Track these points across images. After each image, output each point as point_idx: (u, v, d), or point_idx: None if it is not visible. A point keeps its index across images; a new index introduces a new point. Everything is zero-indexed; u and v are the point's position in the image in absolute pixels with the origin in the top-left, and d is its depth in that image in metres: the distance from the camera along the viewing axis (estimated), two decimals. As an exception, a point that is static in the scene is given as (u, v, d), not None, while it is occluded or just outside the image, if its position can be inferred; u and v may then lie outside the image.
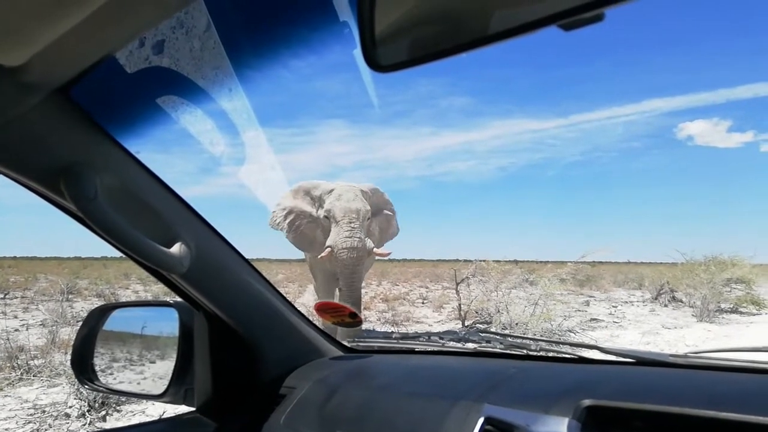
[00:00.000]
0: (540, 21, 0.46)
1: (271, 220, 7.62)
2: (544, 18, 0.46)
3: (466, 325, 10.18)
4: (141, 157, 1.08)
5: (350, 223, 7.01)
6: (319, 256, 7.09)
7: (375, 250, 7.23)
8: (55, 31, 0.66)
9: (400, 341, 1.47)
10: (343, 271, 7.04)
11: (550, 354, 1.26)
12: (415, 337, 1.48)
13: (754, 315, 12.38)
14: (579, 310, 12.46)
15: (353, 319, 1.48)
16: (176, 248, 1.06)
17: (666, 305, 13.78)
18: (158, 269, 1.07)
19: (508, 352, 1.32)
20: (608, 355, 1.18)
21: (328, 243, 7.04)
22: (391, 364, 1.34)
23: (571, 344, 1.25)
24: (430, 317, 12.34)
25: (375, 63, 0.56)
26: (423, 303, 14.78)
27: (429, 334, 1.49)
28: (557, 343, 1.27)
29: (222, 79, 1.29)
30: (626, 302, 14.87)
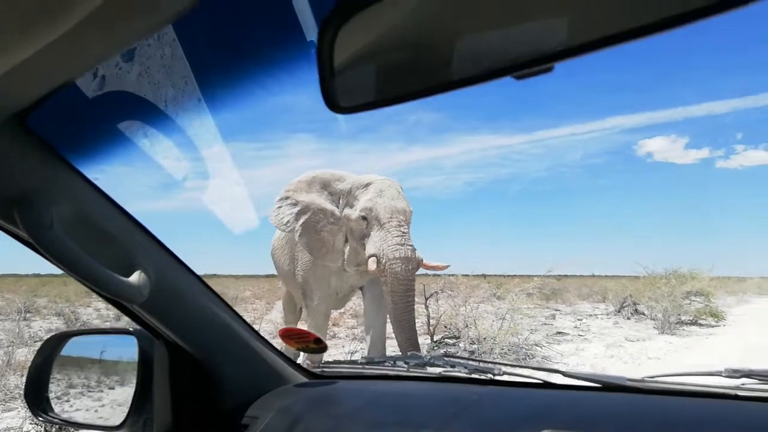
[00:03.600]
0: (495, 72, 0.48)
1: (275, 217, 5.87)
2: (499, 69, 0.48)
3: (434, 339, 10.19)
4: (100, 183, 1.06)
5: (400, 226, 5.47)
6: (367, 269, 5.46)
7: (427, 262, 5.63)
8: (14, 58, 0.65)
9: (366, 366, 1.47)
10: (395, 289, 5.37)
11: (514, 378, 1.28)
12: (381, 362, 1.47)
13: (713, 327, 12.76)
14: (545, 324, 12.63)
15: (318, 345, 1.47)
16: (135, 277, 1.04)
17: (629, 318, 14.09)
18: (116, 299, 1.05)
19: (472, 376, 1.33)
20: (570, 379, 1.20)
21: (371, 251, 5.40)
22: (355, 391, 1.34)
23: (534, 368, 1.27)
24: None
25: (334, 104, 0.57)
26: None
27: (394, 359, 1.49)
28: (521, 366, 1.29)
29: (187, 97, 1.28)
30: (591, 315, 15.15)
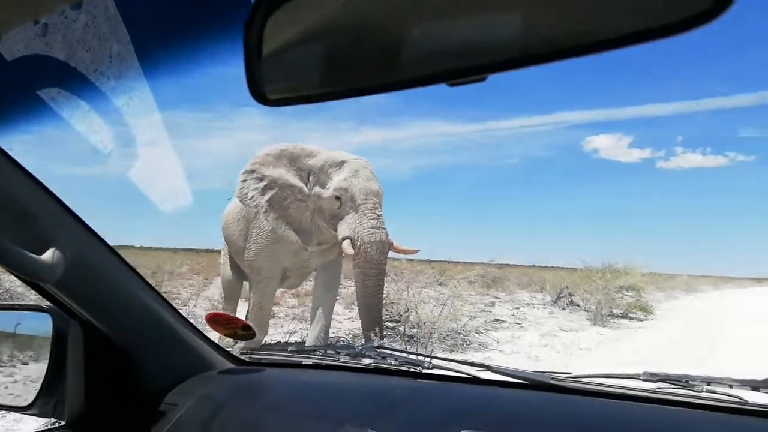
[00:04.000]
0: (429, 77, 0.47)
1: (240, 191, 5.60)
2: (432, 75, 0.46)
3: (376, 323, 10.28)
4: (14, 154, 0.99)
5: (375, 209, 5.37)
6: (342, 252, 5.32)
7: (398, 245, 5.59)
8: None
9: (295, 354, 1.44)
10: (367, 272, 5.33)
11: (443, 372, 1.28)
12: (311, 350, 1.45)
13: (642, 321, 13.45)
14: (484, 311, 12.95)
15: (246, 332, 1.43)
16: (49, 254, 0.98)
17: (564, 308, 14.64)
18: (26, 277, 0.98)
19: (402, 369, 1.33)
20: (497, 375, 1.22)
21: (345, 234, 5.30)
22: (282, 380, 1.31)
23: (464, 362, 1.28)
24: (341, 314, 12.34)
25: (260, 94, 0.54)
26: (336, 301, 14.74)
27: (325, 347, 1.47)
28: (451, 360, 1.30)
29: (123, 63, 1.20)
30: (528, 304, 15.66)
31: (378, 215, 5.40)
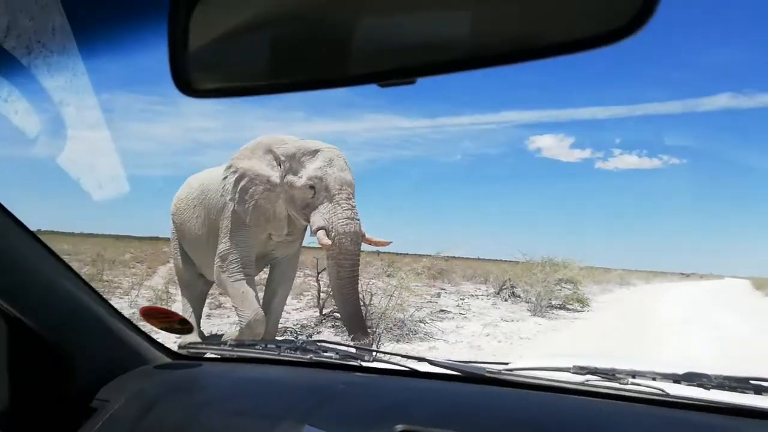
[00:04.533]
0: (359, 77, 0.46)
1: (223, 189, 5.56)
2: (363, 75, 0.46)
3: (323, 313, 10.23)
4: None
5: (349, 199, 5.25)
6: (321, 243, 5.09)
7: (370, 237, 5.45)
8: None
9: (235, 348, 1.42)
10: (342, 263, 5.20)
11: (383, 366, 1.30)
12: (251, 344, 1.43)
13: (579, 312, 14.01)
14: (430, 302, 13.14)
15: (183, 326, 1.39)
16: None
17: (506, 300, 15.06)
18: None
19: (342, 362, 1.33)
20: (435, 368, 1.24)
21: (319, 224, 5.15)
22: (219, 375, 1.29)
23: (403, 356, 1.30)
24: (289, 304, 12.21)
25: (185, 84, 0.52)
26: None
27: (265, 341, 1.46)
28: (390, 354, 1.32)
29: (64, 38, 1.14)
30: (473, 295, 16.01)
31: (352, 206, 5.29)
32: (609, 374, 1.12)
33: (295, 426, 0.93)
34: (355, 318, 5.48)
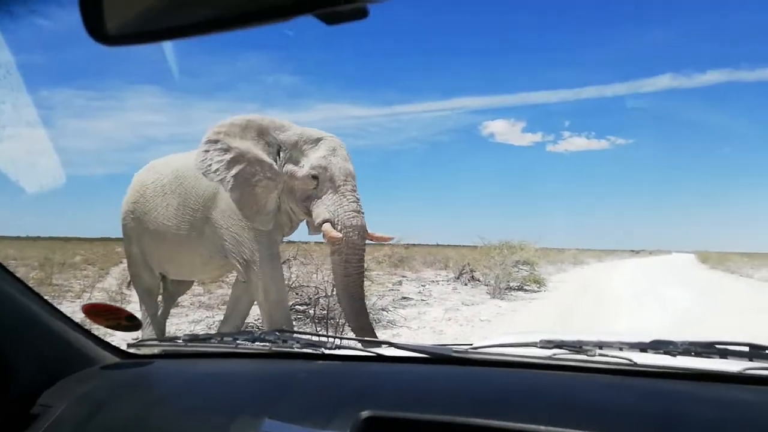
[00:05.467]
0: (294, 6, 0.40)
1: (201, 162, 4.79)
2: (298, 3, 0.40)
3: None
4: None
5: (354, 191, 4.83)
6: (329, 236, 4.63)
7: (372, 233, 4.96)
8: None
9: (188, 344, 1.34)
10: (350, 258, 4.75)
11: (346, 352, 1.25)
12: (206, 338, 1.36)
13: (536, 292, 14.36)
14: (392, 290, 13.19)
15: (131, 323, 1.30)
16: None
17: (466, 284, 15.27)
18: None
19: (304, 351, 1.28)
20: (399, 351, 1.20)
21: (324, 216, 4.69)
22: (173, 371, 1.21)
23: (366, 340, 1.25)
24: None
25: (98, 31, 0.45)
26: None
27: (222, 335, 1.38)
28: (353, 339, 1.27)
29: None
30: (433, 281, 16.15)
31: (357, 198, 4.86)
32: (576, 347, 1.11)
33: (254, 420, 0.87)
34: (362, 317, 4.91)
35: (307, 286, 10.24)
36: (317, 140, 4.93)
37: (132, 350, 1.34)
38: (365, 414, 0.86)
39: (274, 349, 1.27)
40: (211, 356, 1.32)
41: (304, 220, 5.12)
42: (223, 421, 0.89)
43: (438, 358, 1.13)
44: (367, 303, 9.25)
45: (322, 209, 4.75)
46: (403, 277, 16.72)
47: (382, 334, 7.75)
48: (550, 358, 1.10)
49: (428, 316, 9.80)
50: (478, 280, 15.35)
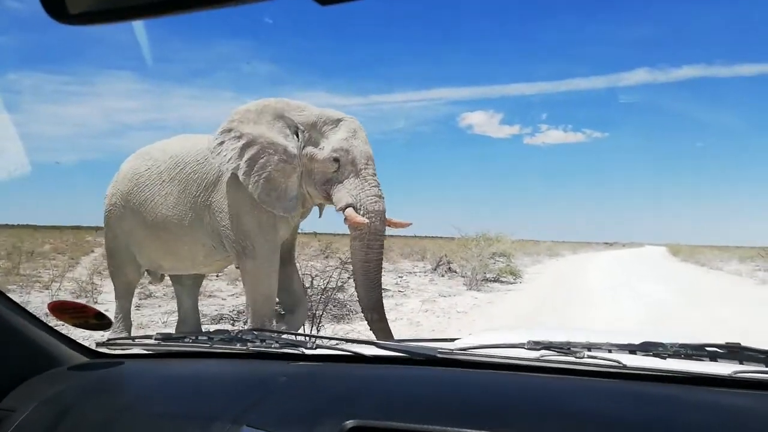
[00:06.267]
0: None
1: (218, 155, 4.64)
2: None
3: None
4: None
5: (374, 175, 4.65)
6: (353, 221, 4.45)
7: (390, 218, 4.76)
8: None
9: (162, 343, 1.28)
10: (371, 244, 4.61)
11: (327, 352, 1.21)
12: (180, 337, 1.30)
13: (512, 284, 14.50)
14: (369, 281, 13.14)
15: (100, 321, 1.24)
16: None
17: (443, 275, 15.34)
18: None
19: (283, 351, 1.23)
20: (382, 350, 1.16)
21: (346, 201, 4.52)
22: (144, 372, 1.15)
23: (347, 340, 1.21)
24: (225, 290, 11.91)
25: (58, 9, 0.40)
26: (218, 276, 14.18)
27: (196, 334, 1.33)
28: (333, 339, 1.23)
29: None
30: (410, 273, 16.19)
31: (378, 183, 4.68)
32: (564, 348, 1.09)
33: (231, 427, 0.82)
34: (378, 304, 4.75)
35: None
36: (337, 121, 4.75)
37: (102, 349, 1.27)
38: (350, 423, 0.82)
39: (252, 349, 1.22)
40: (185, 356, 1.26)
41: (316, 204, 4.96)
42: (197, 429, 0.84)
43: (422, 359, 1.10)
44: (344, 294, 9.23)
45: (343, 193, 4.58)
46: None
47: (359, 326, 7.72)
48: (538, 359, 1.07)
49: (405, 308, 9.81)
50: (455, 272, 15.43)
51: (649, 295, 12.24)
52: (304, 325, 6.89)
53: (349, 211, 4.51)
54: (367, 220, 4.49)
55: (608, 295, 11.82)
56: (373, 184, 4.62)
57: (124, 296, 5.52)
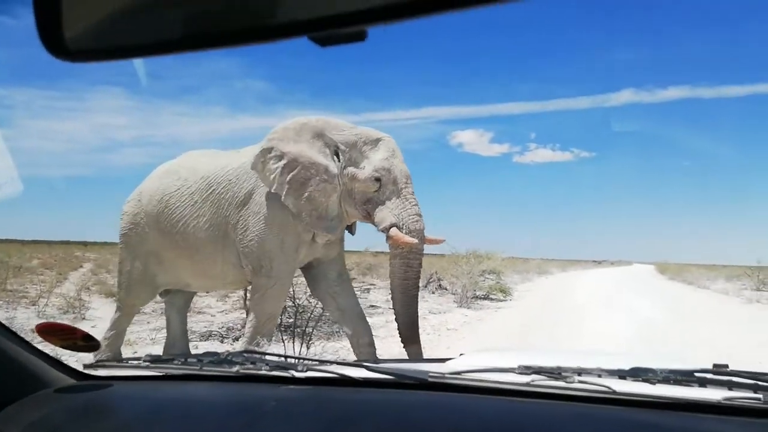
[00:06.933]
0: (284, 28, 0.36)
1: (262, 174, 4.60)
2: (291, 24, 0.36)
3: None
4: None
5: (413, 194, 4.69)
6: (400, 242, 4.45)
7: (429, 236, 4.78)
8: None
9: (150, 365, 1.27)
10: (411, 262, 4.63)
11: (317, 375, 1.20)
12: (169, 359, 1.29)
13: (501, 301, 14.50)
14: (360, 297, 13.06)
15: (87, 342, 1.23)
16: None
17: (433, 292, 15.31)
18: None
19: (273, 374, 1.23)
20: (373, 373, 1.16)
21: (390, 220, 4.52)
22: (133, 395, 1.14)
23: (338, 363, 1.21)
24: (214, 307, 11.80)
25: (58, 46, 0.40)
26: (207, 292, 14.06)
27: (185, 356, 1.32)
28: (323, 362, 1.22)
29: None
30: (402, 290, 16.14)
31: (417, 201, 4.71)
32: (555, 373, 1.09)
33: None
34: (414, 320, 4.82)
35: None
36: (376, 141, 4.77)
37: (89, 371, 1.26)
38: None
39: (242, 372, 1.21)
40: (174, 379, 1.25)
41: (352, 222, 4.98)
42: None
43: (414, 383, 1.10)
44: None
45: (386, 213, 4.60)
46: (372, 285, 16.65)
47: (348, 344, 7.68)
48: (528, 384, 1.07)
49: (395, 325, 9.76)
50: (446, 289, 15.41)
51: (638, 312, 12.29)
52: (294, 344, 6.84)
53: (394, 230, 4.52)
54: (414, 240, 4.51)
55: (598, 313, 11.86)
56: (413, 203, 4.65)
57: (126, 315, 5.42)
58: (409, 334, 4.76)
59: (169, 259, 5.06)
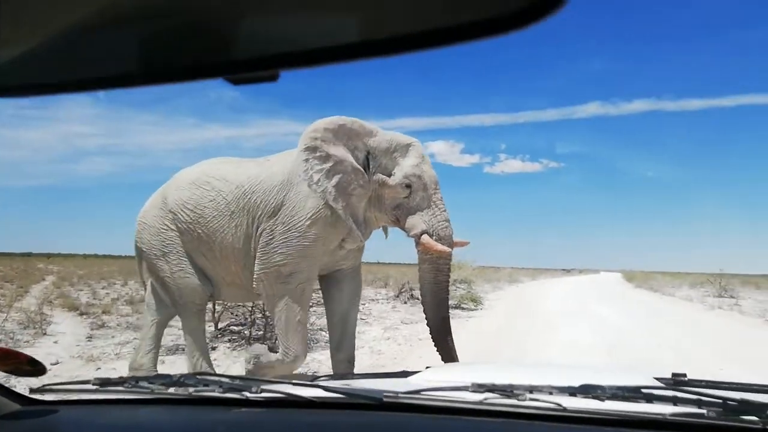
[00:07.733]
0: (203, 69, 0.37)
1: (305, 174, 4.49)
2: (208, 67, 0.37)
3: (219, 327, 9.79)
4: None
5: (442, 200, 4.68)
6: (432, 249, 4.45)
7: (456, 240, 4.81)
8: None
9: (100, 389, 1.23)
10: (441, 267, 4.65)
11: (271, 396, 1.19)
12: (119, 382, 1.26)
13: (472, 310, 14.61)
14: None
15: (34, 367, 1.19)
16: None
17: (406, 302, 15.35)
18: None
19: (226, 396, 1.21)
20: (330, 393, 1.16)
21: (421, 227, 4.53)
22: (81, 421, 1.11)
23: (294, 383, 1.20)
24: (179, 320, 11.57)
25: None
26: (234, 303, 13.79)
27: (137, 378, 1.29)
28: (279, 382, 1.21)
29: None
30: (373, 300, 16.13)
31: (445, 207, 4.69)
32: (507, 391, 1.10)
33: None
34: (446, 323, 4.80)
35: (243, 306, 9.96)
36: (407, 146, 4.74)
37: (36, 396, 1.22)
38: None
39: (194, 394, 1.19)
40: (125, 403, 1.22)
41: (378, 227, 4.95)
42: None
43: (368, 404, 1.10)
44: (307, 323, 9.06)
45: (417, 220, 4.60)
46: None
47: (320, 355, 7.62)
48: (481, 403, 1.08)
49: (367, 336, 9.74)
50: (417, 299, 15.44)
51: (606, 319, 12.53)
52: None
53: (425, 237, 4.53)
54: (446, 248, 4.52)
55: (566, 320, 12.04)
56: (442, 209, 4.64)
57: (198, 323, 5.21)
58: (441, 337, 4.80)
59: (206, 269, 4.99)
